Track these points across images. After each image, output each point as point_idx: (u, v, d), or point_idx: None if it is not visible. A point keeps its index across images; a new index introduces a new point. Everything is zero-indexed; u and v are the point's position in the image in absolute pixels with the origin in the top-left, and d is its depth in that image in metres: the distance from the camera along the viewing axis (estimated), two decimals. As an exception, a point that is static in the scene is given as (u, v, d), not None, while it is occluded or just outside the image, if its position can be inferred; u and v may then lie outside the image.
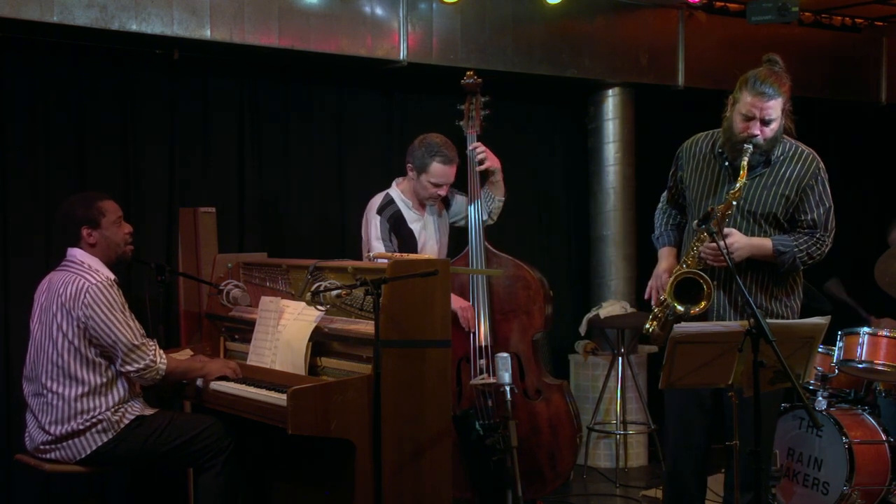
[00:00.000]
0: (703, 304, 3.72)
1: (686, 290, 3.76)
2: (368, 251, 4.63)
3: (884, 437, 4.77)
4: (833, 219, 3.85)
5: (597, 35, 6.10)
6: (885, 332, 4.78)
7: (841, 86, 7.12)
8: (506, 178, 4.93)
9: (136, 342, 3.84)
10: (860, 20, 7.13)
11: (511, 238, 5.73)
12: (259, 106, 5.55)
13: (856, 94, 7.25)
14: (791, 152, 3.83)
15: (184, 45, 5.06)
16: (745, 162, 3.69)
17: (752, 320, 3.32)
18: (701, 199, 3.90)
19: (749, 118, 3.72)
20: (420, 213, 4.75)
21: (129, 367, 3.84)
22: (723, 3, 6.57)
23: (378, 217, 4.63)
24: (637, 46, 6.24)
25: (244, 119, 5.50)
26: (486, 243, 4.81)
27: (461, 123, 4.87)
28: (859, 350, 4.80)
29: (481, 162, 4.78)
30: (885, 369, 4.77)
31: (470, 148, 4.81)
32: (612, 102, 6.39)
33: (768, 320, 3.37)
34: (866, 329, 4.82)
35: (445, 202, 4.90)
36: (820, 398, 4.88)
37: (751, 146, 3.70)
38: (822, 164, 3.84)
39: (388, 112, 5.94)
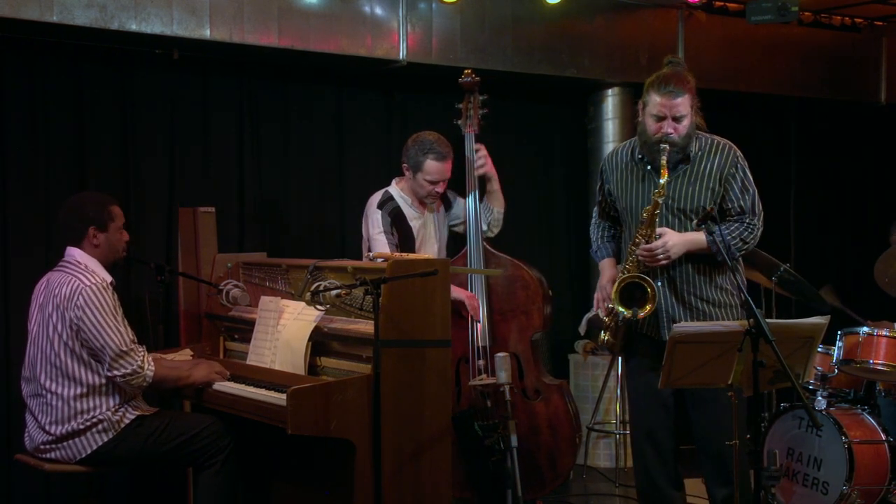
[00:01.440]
0: (648, 307, 3.80)
1: (632, 295, 3.84)
2: (369, 249, 4.63)
3: (883, 437, 4.77)
4: (759, 203, 3.95)
5: (596, 35, 6.10)
6: (884, 332, 4.78)
7: (840, 86, 7.12)
8: (504, 179, 4.93)
9: (124, 348, 3.82)
10: (860, 20, 7.13)
11: (510, 238, 5.71)
12: (259, 106, 5.55)
13: (855, 94, 7.25)
14: (708, 146, 3.93)
15: (183, 45, 5.06)
16: (664, 160, 3.78)
17: (751, 320, 3.33)
18: (633, 206, 3.97)
19: (661, 118, 3.82)
20: (420, 210, 4.75)
21: (115, 372, 3.83)
22: (722, 3, 6.56)
23: (379, 212, 4.64)
24: (636, 46, 6.24)
25: (244, 119, 5.50)
26: (485, 243, 4.81)
27: (459, 122, 4.87)
28: (859, 350, 4.80)
29: (480, 166, 4.78)
30: (885, 369, 4.76)
31: (475, 147, 4.81)
32: (611, 102, 6.39)
33: (768, 320, 3.38)
34: (866, 329, 4.82)
35: (446, 203, 4.90)
36: (819, 398, 4.88)
37: (667, 145, 3.79)
38: (739, 153, 3.94)
39: (387, 112, 5.94)
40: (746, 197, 3.91)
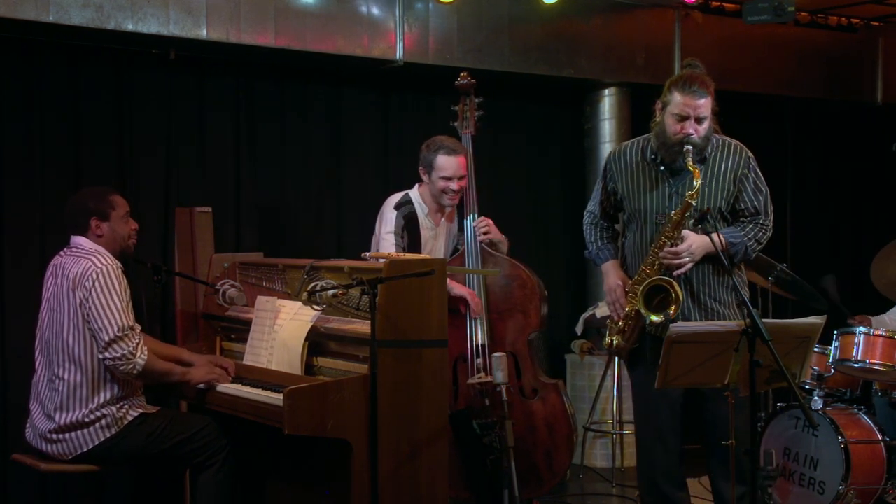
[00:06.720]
0: (672, 308, 3.75)
1: (651, 298, 3.79)
2: (377, 247, 4.63)
3: (879, 437, 4.77)
4: (771, 203, 3.95)
5: (593, 35, 6.11)
6: (881, 332, 4.78)
7: (837, 86, 7.13)
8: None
9: (119, 333, 3.80)
10: (856, 20, 7.14)
11: (507, 238, 5.72)
12: (255, 106, 5.55)
13: (851, 95, 7.26)
14: (720, 147, 3.91)
15: (180, 45, 5.06)
16: (690, 161, 3.74)
17: (748, 320, 3.33)
18: (646, 208, 3.92)
19: (683, 118, 3.77)
20: (435, 221, 4.75)
21: (106, 355, 3.81)
22: (719, 3, 6.57)
23: (395, 212, 4.65)
24: (633, 46, 6.25)
25: (240, 119, 5.50)
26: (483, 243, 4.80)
27: (455, 124, 4.88)
28: (855, 349, 4.80)
29: (484, 233, 4.74)
30: (881, 369, 4.76)
31: (474, 224, 4.78)
32: (608, 102, 6.39)
33: (765, 320, 3.38)
34: (862, 328, 4.82)
35: (459, 222, 4.88)
36: (816, 398, 4.88)
37: (689, 146, 3.75)
38: (751, 154, 3.94)
39: (384, 112, 5.94)
40: (759, 197, 3.91)
